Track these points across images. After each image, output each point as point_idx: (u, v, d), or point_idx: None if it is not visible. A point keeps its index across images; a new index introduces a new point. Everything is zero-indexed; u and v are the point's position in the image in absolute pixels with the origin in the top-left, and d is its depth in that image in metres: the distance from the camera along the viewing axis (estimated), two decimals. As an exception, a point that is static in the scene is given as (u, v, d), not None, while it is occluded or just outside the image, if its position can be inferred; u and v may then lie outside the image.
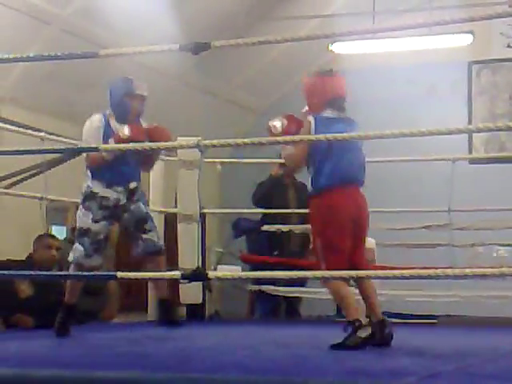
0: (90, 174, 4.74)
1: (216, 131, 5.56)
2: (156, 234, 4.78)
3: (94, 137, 4.66)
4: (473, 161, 8.24)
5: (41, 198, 5.66)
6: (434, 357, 3.64)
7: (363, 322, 3.97)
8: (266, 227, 7.05)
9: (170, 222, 6.67)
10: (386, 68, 8.57)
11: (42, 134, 5.73)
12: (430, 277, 4.25)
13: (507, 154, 7.98)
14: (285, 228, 6.97)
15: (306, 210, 7.03)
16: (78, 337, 4.71)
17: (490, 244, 6.93)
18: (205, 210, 6.78)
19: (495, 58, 8.54)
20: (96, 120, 4.76)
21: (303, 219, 7.20)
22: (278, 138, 4.23)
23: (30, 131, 5.78)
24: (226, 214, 7.86)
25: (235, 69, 8.29)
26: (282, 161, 7.25)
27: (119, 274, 3.83)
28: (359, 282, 4.15)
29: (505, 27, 8.42)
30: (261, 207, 7.25)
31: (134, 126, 4.66)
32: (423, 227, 6.71)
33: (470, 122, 8.46)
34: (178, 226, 6.57)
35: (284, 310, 7.46)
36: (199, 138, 4.23)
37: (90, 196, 4.70)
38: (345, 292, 4.07)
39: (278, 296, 7.03)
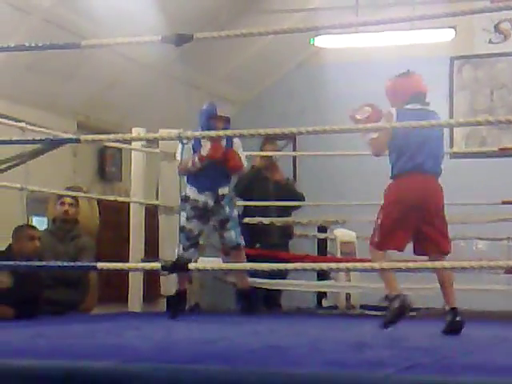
0: (185, 180, 5.60)
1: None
2: (235, 233, 5.49)
3: (184, 150, 5.47)
4: (454, 155, 8.28)
5: (21, 189, 5.64)
6: (412, 349, 3.66)
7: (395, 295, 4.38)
8: (247, 219, 7.06)
9: (151, 213, 6.67)
10: (368, 62, 8.59)
11: (23, 124, 5.70)
12: (410, 270, 4.29)
13: (488, 148, 8.02)
14: (266, 220, 6.98)
15: (286, 203, 7.12)
16: (58, 327, 4.71)
17: (469, 238, 6.97)
18: (186, 202, 6.77)
19: (477, 53, 8.59)
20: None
21: (282, 212, 7.22)
22: (260, 131, 4.24)
23: (10, 121, 5.74)
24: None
25: (218, 62, 8.28)
26: (264, 153, 7.32)
27: (99, 265, 3.84)
28: (436, 270, 4.43)
29: (487, 23, 8.47)
30: (242, 199, 7.26)
31: (215, 144, 5.37)
32: (404, 221, 6.73)
33: (451, 116, 8.50)
34: (159, 217, 6.56)
35: (265, 302, 7.47)
36: (181, 130, 4.24)
37: (184, 199, 5.54)
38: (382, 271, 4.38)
39: (259, 288, 7.05)
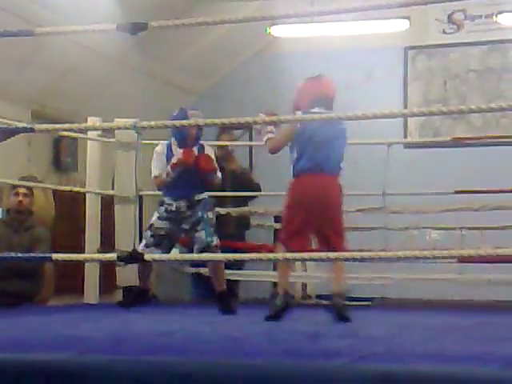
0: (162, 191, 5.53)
1: (155, 113, 5.54)
2: (206, 233, 5.35)
3: (157, 163, 5.44)
4: (408, 145, 8.36)
5: (-26, 179, 5.57)
6: (366, 338, 3.71)
7: (280, 293, 4.57)
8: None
9: (107, 203, 6.63)
10: (323, 52, 8.63)
11: (-24, 113, 5.62)
12: (364, 259, 4.33)
13: (441, 138, 8.12)
14: (223, 211, 6.98)
15: (243, 193, 7.13)
16: (12, 319, 4.67)
17: (423, 228, 7.06)
18: (142, 192, 6.76)
19: (430, 43, 8.67)
20: (159, 148, 5.50)
21: (239, 202, 7.23)
22: (216, 121, 4.24)
23: (-37, 111, 5.67)
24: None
25: (175, 51, 8.25)
26: (221, 143, 7.32)
27: (54, 256, 3.82)
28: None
29: (440, 13, 8.56)
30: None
31: (187, 151, 5.31)
32: (358, 210, 6.80)
33: (405, 106, 8.57)
34: (115, 207, 6.53)
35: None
36: (136, 120, 4.23)
37: (160, 202, 5.50)
38: (283, 267, 4.66)
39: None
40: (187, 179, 5.34)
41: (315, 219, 4.57)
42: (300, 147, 4.62)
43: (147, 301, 5.68)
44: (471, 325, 4.78)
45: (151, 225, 5.45)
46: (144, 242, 5.43)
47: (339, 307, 4.47)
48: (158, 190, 5.59)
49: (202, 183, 5.47)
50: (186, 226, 5.41)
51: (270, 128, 4.70)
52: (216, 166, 5.48)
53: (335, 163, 4.66)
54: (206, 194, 5.50)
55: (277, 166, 8.59)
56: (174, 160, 5.30)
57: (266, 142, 4.73)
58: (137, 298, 5.61)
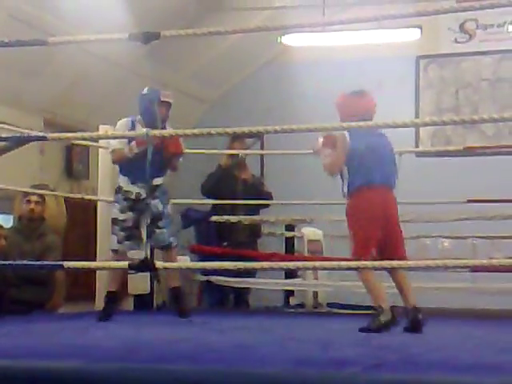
0: (118, 170, 5.31)
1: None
2: (168, 231, 5.26)
3: (119, 139, 5.20)
4: (419, 154, 8.35)
5: (-14, 187, 5.58)
6: (378, 347, 3.69)
7: (384, 308, 4.47)
8: (214, 218, 7.06)
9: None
10: (335, 61, 8.63)
11: (-12, 121, 5.64)
12: (375, 268, 4.33)
13: (453, 147, 8.10)
14: (234, 219, 6.98)
15: (254, 202, 7.14)
16: (23, 327, 4.68)
17: (434, 236, 7.04)
18: (153, 201, 6.74)
19: (442, 52, 8.66)
20: (123, 124, 5.26)
21: (250, 211, 7.23)
22: (228, 130, 4.24)
23: (-25, 119, 5.70)
24: (174, 204, 7.83)
25: (186, 59, 8.26)
26: (233, 151, 7.32)
27: (66, 264, 3.82)
28: (392, 272, 4.64)
29: (452, 23, 8.55)
30: (209, 198, 7.26)
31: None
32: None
33: (417, 115, 8.56)
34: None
35: (232, 301, 7.48)
36: (148, 128, 4.24)
37: (116, 190, 5.30)
38: (372, 280, 4.56)
39: (227, 286, 7.05)
40: (149, 160, 5.05)
41: (381, 232, 4.61)
42: (355, 164, 4.65)
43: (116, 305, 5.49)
44: (483, 334, 4.76)
45: (115, 219, 5.23)
46: (115, 238, 5.24)
47: (412, 321, 4.48)
48: (115, 163, 5.33)
49: (162, 167, 5.28)
50: (147, 219, 5.20)
51: (327, 152, 4.74)
52: (183, 148, 5.29)
53: (392, 176, 4.73)
54: (162, 180, 5.32)
55: (288, 175, 8.61)
56: (140, 137, 5.02)
57: (324, 165, 4.78)
58: (110, 305, 5.33)
